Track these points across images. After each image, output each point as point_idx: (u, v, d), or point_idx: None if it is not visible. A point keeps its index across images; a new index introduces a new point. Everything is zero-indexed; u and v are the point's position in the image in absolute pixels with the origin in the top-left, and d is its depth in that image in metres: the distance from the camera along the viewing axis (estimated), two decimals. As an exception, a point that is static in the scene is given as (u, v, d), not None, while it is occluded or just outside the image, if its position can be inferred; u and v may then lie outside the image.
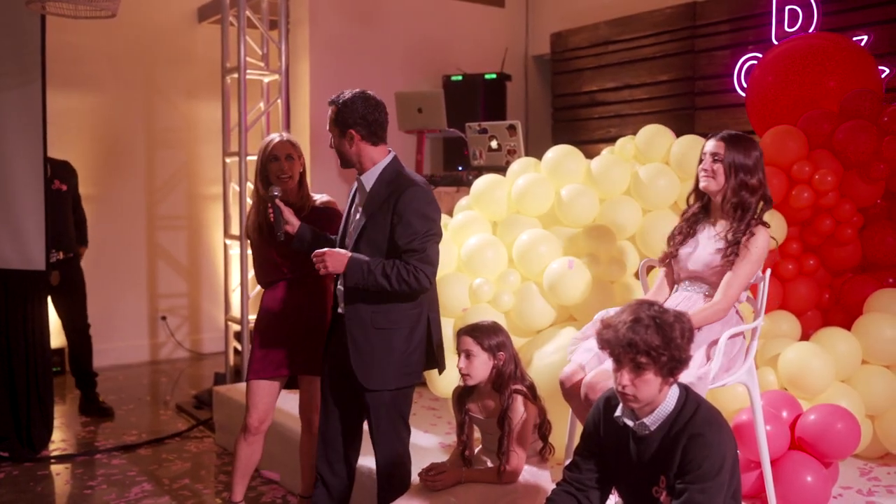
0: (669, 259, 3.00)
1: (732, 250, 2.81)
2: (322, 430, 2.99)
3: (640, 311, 2.13)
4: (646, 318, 2.09)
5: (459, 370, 2.74)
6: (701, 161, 2.91)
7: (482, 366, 2.71)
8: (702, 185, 2.89)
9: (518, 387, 2.71)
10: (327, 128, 2.84)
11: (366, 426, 2.94)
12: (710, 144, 2.89)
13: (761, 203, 2.88)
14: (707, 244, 2.90)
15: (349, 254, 2.72)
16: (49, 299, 4.99)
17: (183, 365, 6.86)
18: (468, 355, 2.71)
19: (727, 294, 2.79)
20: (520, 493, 2.66)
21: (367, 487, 3.30)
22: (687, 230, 2.97)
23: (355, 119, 2.76)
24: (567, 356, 2.97)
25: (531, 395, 2.74)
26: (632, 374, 2.10)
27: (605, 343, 2.14)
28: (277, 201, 2.97)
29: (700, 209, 2.98)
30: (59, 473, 4.34)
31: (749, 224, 2.83)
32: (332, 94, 2.85)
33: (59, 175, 5.13)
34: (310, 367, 3.23)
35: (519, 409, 2.67)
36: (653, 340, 2.06)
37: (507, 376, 2.71)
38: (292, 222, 2.95)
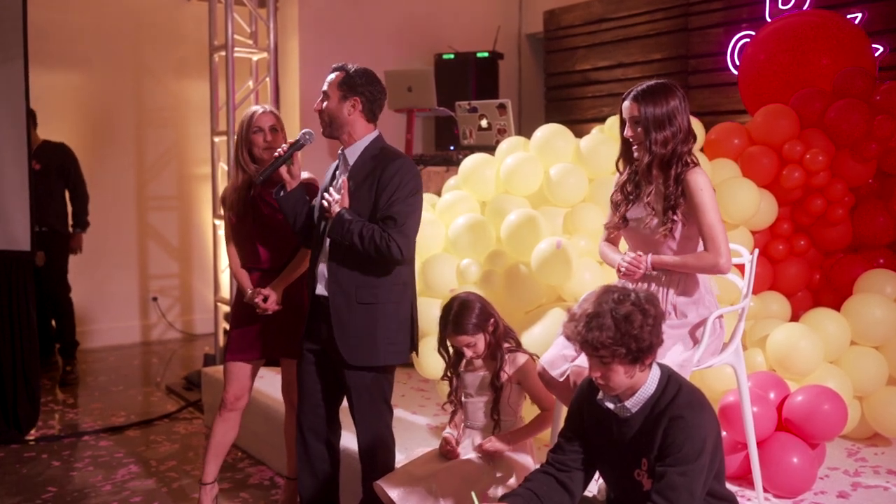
0: (617, 229, 2.84)
1: (669, 217, 2.64)
2: (300, 414, 2.97)
3: (600, 304, 2.09)
4: (603, 312, 2.06)
5: (470, 358, 2.78)
6: (623, 126, 2.73)
7: (482, 343, 2.75)
8: (636, 155, 2.71)
9: (508, 345, 2.79)
10: (325, 89, 2.82)
11: (345, 406, 2.93)
12: (626, 107, 2.70)
13: (689, 144, 2.69)
14: (648, 215, 2.71)
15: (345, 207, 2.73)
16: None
17: (175, 346, 6.84)
18: (469, 346, 2.73)
19: (715, 247, 2.60)
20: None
21: (353, 468, 3.28)
22: (631, 195, 2.78)
23: (364, 90, 2.80)
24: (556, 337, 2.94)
25: (517, 344, 2.83)
26: (600, 367, 2.10)
27: (568, 338, 2.14)
28: (296, 154, 2.85)
29: (633, 173, 2.78)
30: (46, 455, 4.32)
31: (679, 175, 2.64)
32: (322, 73, 2.87)
33: (36, 155, 5.17)
34: (288, 351, 3.21)
35: (519, 363, 2.76)
36: (606, 338, 2.04)
37: (500, 336, 2.77)
38: (288, 180, 2.86)
